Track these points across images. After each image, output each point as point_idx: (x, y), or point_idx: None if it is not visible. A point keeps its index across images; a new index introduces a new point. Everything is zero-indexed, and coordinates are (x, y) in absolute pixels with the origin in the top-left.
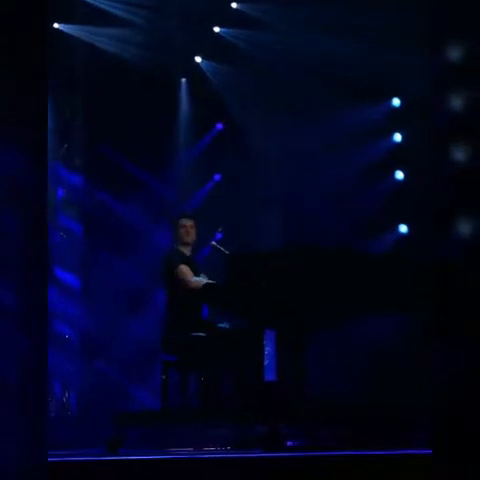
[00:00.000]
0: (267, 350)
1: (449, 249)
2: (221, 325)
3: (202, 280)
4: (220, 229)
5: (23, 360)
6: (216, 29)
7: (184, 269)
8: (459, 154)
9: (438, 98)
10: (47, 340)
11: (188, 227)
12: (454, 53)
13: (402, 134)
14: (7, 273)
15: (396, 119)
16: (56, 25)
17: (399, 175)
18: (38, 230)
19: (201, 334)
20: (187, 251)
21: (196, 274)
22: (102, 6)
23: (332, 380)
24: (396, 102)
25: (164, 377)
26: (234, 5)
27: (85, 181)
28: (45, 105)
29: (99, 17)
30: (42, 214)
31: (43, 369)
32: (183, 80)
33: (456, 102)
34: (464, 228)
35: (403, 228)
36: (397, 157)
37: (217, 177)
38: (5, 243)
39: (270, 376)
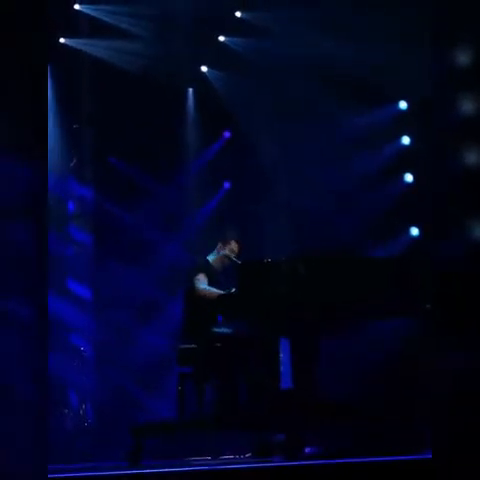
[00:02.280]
0: (282, 357)
1: (455, 252)
2: (235, 334)
3: (211, 289)
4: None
5: (25, 368)
6: (221, 38)
7: (199, 276)
8: (464, 158)
9: (443, 101)
10: (47, 348)
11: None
12: (459, 55)
13: (410, 137)
14: (13, 282)
15: (403, 122)
16: (62, 40)
17: (408, 178)
18: (39, 239)
19: (215, 344)
20: (218, 266)
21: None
22: (106, 19)
23: (342, 384)
24: (403, 105)
25: (180, 388)
26: (238, 14)
27: (95, 193)
28: (45, 113)
29: (104, 30)
30: (43, 224)
31: (44, 375)
32: (190, 90)
33: (461, 105)
34: (469, 231)
35: (414, 231)
36: (406, 160)
37: (227, 185)
38: (11, 253)
39: (286, 383)
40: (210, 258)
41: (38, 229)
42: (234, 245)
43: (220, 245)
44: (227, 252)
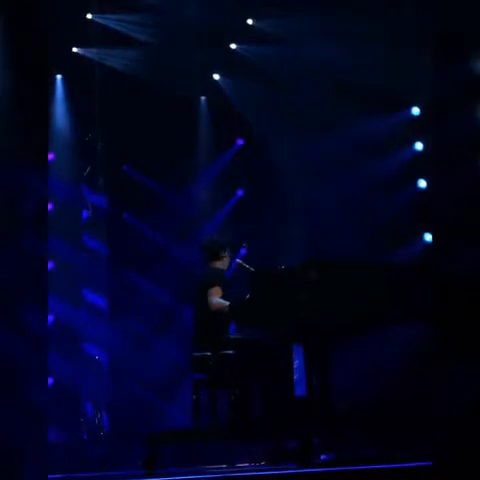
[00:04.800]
0: (296, 364)
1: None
2: (248, 341)
3: (224, 302)
4: (244, 244)
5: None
6: (233, 46)
7: (214, 290)
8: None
9: (457, 108)
10: (47, 349)
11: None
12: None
13: (423, 142)
14: (19, 288)
15: (416, 127)
16: (74, 49)
17: (422, 184)
18: (41, 248)
19: (229, 351)
20: (224, 269)
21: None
22: (118, 28)
23: (357, 391)
24: (415, 111)
25: (195, 396)
26: (250, 22)
27: (109, 202)
28: (46, 123)
29: (116, 39)
30: (45, 233)
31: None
32: (202, 98)
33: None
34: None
35: (428, 237)
36: (419, 166)
37: (240, 192)
38: (17, 262)
39: (300, 390)
40: (213, 264)
41: (40, 238)
42: (230, 252)
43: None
44: (239, 260)
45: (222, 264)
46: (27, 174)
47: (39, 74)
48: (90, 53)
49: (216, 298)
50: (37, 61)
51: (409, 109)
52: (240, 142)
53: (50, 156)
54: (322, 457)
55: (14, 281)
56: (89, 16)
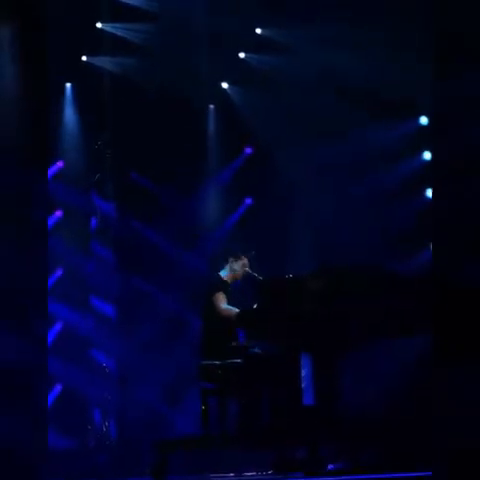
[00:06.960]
0: (304, 372)
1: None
2: (256, 350)
3: (233, 308)
4: (252, 253)
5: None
6: (241, 55)
7: (219, 295)
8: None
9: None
10: (47, 350)
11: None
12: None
13: (431, 152)
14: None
15: (425, 137)
16: (84, 57)
17: (430, 193)
18: (40, 253)
19: (237, 360)
20: (231, 280)
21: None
22: (128, 37)
23: (364, 400)
24: (424, 120)
25: (203, 404)
26: (258, 31)
27: (118, 209)
28: (45, 124)
29: (126, 48)
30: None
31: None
32: (211, 106)
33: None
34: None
35: None
36: (427, 175)
37: (248, 200)
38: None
39: (308, 399)
40: (223, 274)
41: (40, 238)
42: (245, 260)
43: (232, 260)
44: (247, 269)
45: (229, 273)
46: (27, 174)
47: (39, 73)
48: (99, 61)
49: (224, 304)
50: (38, 61)
51: (417, 118)
52: (248, 150)
53: (59, 164)
54: (329, 466)
55: (14, 283)
56: (99, 25)
